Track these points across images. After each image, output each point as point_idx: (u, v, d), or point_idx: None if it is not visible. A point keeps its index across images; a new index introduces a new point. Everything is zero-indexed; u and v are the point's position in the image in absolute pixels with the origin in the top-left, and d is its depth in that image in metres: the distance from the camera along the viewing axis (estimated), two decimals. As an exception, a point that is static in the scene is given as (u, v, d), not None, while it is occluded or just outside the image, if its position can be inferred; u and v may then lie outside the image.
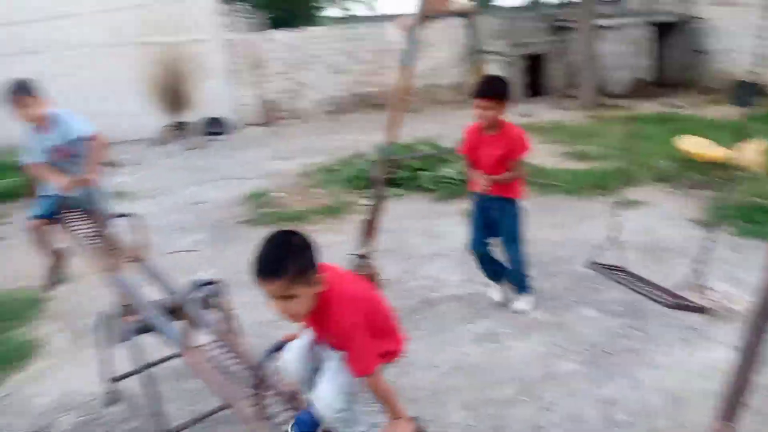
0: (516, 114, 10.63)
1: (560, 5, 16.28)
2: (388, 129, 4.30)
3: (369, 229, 4.30)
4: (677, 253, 4.48)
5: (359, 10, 25.20)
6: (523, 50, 11.62)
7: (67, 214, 3.73)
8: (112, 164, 8.80)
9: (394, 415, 1.90)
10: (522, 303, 3.87)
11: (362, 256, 4.25)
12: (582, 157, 7.44)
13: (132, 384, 2.97)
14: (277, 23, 17.17)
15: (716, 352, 3.24)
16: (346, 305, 1.83)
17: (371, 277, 4.21)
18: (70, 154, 3.56)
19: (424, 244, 5.06)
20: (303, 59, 11.80)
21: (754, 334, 2.08)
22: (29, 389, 3.37)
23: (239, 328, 2.80)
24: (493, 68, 11.88)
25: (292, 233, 1.83)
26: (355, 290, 1.91)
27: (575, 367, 3.20)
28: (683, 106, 10.52)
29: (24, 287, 4.61)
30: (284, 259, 1.73)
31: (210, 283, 2.89)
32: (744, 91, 10.52)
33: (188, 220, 6.11)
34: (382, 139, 4.22)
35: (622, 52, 11.72)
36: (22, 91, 3.46)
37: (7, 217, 6.62)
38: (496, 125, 3.52)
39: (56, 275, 3.97)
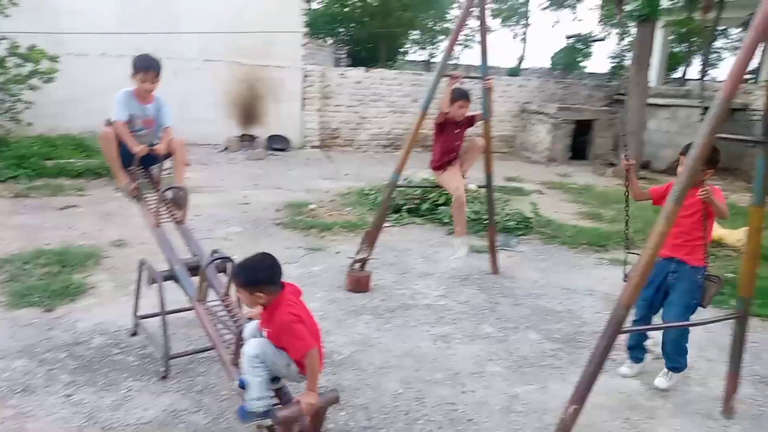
0: (554, 173, 11.25)
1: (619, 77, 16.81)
2: (399, 162, 5.15)
3: (368, 240, 5.11)
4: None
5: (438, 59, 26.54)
6: (572, 115, 12.25)
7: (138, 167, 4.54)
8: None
9: (312, 387, 2.61)
10: (663, 380, 3.77)
11: (358, 261, 5.04)
12: (595, 217, 7.99)
13: (153, 323, 3.85)
14: (361, 60, 18.53)
15: (626, 381, 3.82)
16: (289, 307, 2.64)
17: (362, 279, 5.01)
18: (153, 127, 4.35)
19: (420, 265, 5.80)
20: (369, 96, 12.88)
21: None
22: (76, 316, 4.30)
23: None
24: (540, 128, 12.61)
25: (264, 257, 2.73)
26: (299, 304, 2.73)
27: (500, 370, 3.85)
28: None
29: (87, 245, 5.65)
30: (239, 274, 2.73)
31: (225, 258, 3.76)
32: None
33: (233, 216, 7.08)
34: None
35: (670, 130, 12.16)
36: (156, 70, 4.18)
37: (84, 190, 7.84)
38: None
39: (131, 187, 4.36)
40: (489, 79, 5.07)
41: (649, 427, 3.38)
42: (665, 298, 3.71)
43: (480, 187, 6.19)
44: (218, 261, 3.88)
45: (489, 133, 5.37)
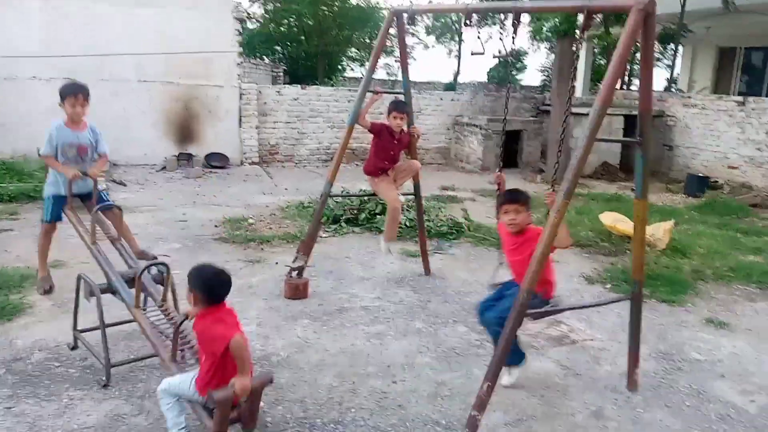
0: (486, 182, 11.76)
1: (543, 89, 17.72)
2: (330, 173, 5.42)
3: (304, 249, 5.34)
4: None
5: (380, 74, 27.22)
6: (502, 125, 12.83)
7: (72, 201, 4.70)
8: (120, 182, 10.01)
9: (243, 372, 2.78)
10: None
11: (294, 269, 5.26)
12: (523, 221, 8.44)
13: (94, 336, 3.94)
14: (300, 78, 18.80)
15: (543, 363, 4.18)
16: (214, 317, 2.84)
17: (300, 286, 5.23)
18: (85, 154, 4.54)
19: (357, 271, 6.06)
20: (306, 112, 13.11)
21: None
22: (14, 334, 4.34)
23: (175, 301, 3.81)
24: (472, 139, 13.13)
25: (217, 271, 2.91)
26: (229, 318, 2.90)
27: (429, 361, 4.14)
28: (639, 191, 11.53)
29: (23, 267, 5.65)
30: (190, 281, 2.87)
31: (160, 263, 3.94)
32: (696, 184, 11.61)
33: (172, 233, 7.16)
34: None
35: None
36: (84, 93, 4.37)
37: (18, 214, 7.74)
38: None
39: (47, 283, 4.78)
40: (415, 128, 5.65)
41: (562, 402, 3.73)
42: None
43: (407, 195, 6.49)
44: (155, 273, 4.09)
45: (415, 148, 5.74)
